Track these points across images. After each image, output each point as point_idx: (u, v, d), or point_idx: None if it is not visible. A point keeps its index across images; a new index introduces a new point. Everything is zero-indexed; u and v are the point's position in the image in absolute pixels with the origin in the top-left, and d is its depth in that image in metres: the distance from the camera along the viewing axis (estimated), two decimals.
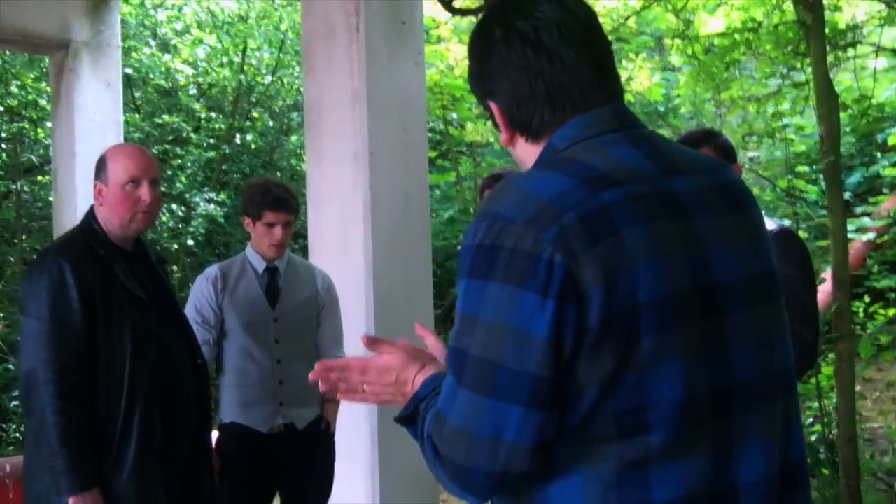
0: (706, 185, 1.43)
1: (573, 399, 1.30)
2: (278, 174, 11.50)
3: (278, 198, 3.84)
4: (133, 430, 2.79)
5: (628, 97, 8.15)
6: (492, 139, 9.02)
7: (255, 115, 11.86)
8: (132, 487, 2.79)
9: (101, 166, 3.01)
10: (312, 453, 3.95)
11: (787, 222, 7.84)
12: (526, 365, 1.27)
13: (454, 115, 9.61)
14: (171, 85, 11.47)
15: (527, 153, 1.48)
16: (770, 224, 3.06)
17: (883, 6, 6.71)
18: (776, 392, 1.41)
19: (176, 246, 10.26)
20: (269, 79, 11.75)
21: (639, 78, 9.44)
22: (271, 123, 12.09)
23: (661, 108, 10.35)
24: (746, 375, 1.36)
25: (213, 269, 3.98)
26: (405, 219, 4.43)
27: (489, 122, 8.99)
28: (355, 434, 4.41)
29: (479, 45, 1.49)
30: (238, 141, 11.67)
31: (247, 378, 3.85)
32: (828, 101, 5.07)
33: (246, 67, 11.50)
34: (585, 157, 1.38)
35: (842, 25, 6.86)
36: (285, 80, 11.93)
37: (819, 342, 3.09)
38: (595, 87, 1.43)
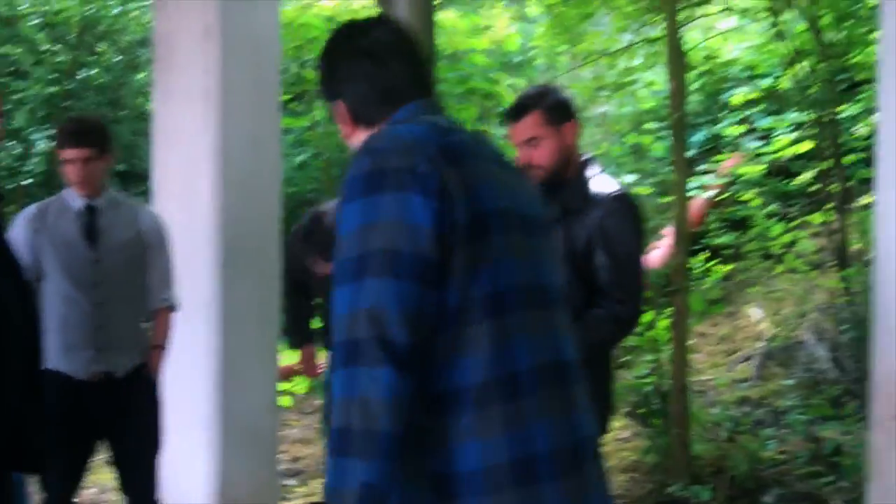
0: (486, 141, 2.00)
1: (451, 284, 1.68)
2: (124, 112, 11.11)
3: (71, 132, 3.64)
4: None
5: (485, 45, 8.18)
6: None
7: (101, 49, 11.35)
8: None
9: None
10: (134, 403, 3.81)
11: (631, 178, 8.07)
12: (420, 250, 1.64)
13: (310, 57, 9.42)
14: (11, 14, 10.88)
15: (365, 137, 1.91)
16: (610, 186, 3.12)
17: None
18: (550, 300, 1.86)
19: (12, 185, 9.80)
20: (117, 10, 11.28)
21: (497, 27, 9.47)
22: (118, 59, 11.62)
23: (518, 59, 10.40)
24: (520, 279, 1.79)
25: (31, 208, 3.79)
26: (256, 162, 4.35)
27: None
28: (191, 385, 4.34)
29: (330, 59, 1.98)
30: (82, 76, 11.18)
31: (65, 322, 3.66)
32: (677, 59, 5.20)
33: None
34: (424, 120, 1.86)
35: None
36: (134, 13, 11.47)
37: (638, 311, 3.14)
38: (415, 86, 1.93)
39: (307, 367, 4.65)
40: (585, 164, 3.15)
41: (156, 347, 3.91)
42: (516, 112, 3.11)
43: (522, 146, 3.09)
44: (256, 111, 4.34)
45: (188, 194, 4.32)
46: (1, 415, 2.78)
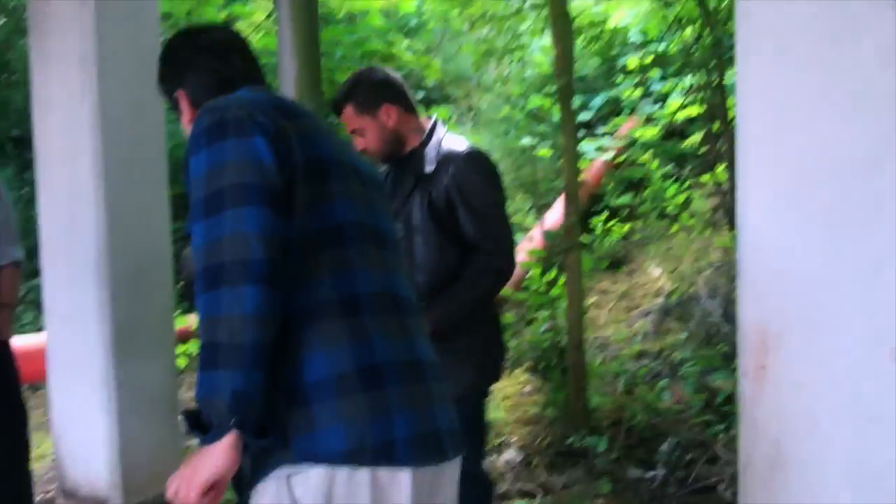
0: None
1: (293, 218, 1.84)
2: (15, 76, 10.78)
3: None
4: None
5: (380, 4, 8.10)
6: None
7: None
8: None
9: None
10: None
11: (528, 141, 8.14)
12: (268, 181, 1.79)
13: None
14: None
15: None
16: (459, 145, 3.17)
17: None
18: (384, 241, 2.04)
19: None
20: None
21: None
22: (3, 21, 11.28)
23: (414, 22, 10.37)
24: (355, 218, 1.97)
25: None
26: (138, 127, 4.28)
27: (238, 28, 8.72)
28: (88, 345, 4.30)
29: (174, 54, 2.21)
30: None
31: None
32: (562, 23, 5.25)
33: None
34: (257, 90, 2.12)
35: None
36: None
37: (510, 258, 3.17)
38: (249, 76, 2.20)
39: None
40: (433, 128, 3.21)
41: (2, 305, 3.82)
42: (334, 108, 3.23)
43: (352, 136, 3.21)
44: (136, 77, 4.26)
45: (70, 161, 4.24)
46: None
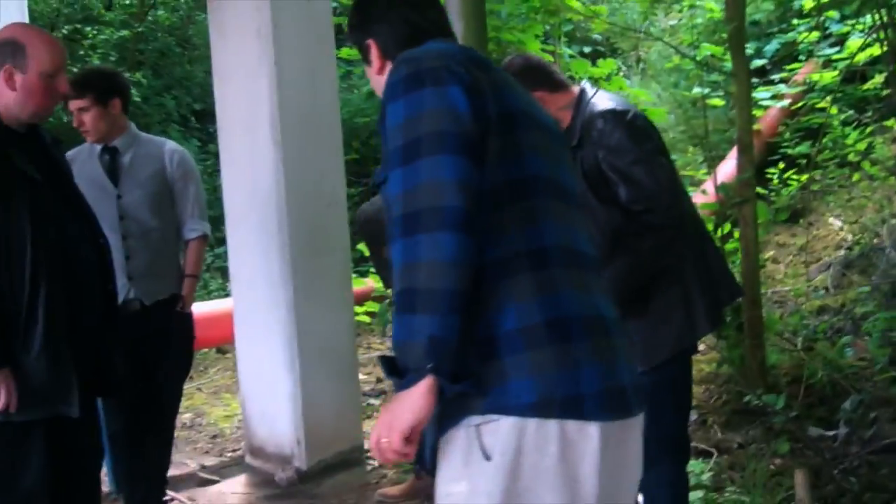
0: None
1: (485, 169, 1.83)
2: (196, 52, 11.22)
3: (72, 84, 3.67)
4: (39, 311, 2.79)
5: None
6: None
7: None
8: (42, 364, 2.80)
9: (14, 50, 2.90)
10: (164, 330, 3.99)
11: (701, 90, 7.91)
12: (465, 129, 1.80)
13: None
14: None
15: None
16: (600, 105, 3.05)
17: None
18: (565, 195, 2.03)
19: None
20: None
21: None
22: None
23: None
24: (539, 172, 1.97)
25: (66, 154, 3.99)
26: (312, 95, 4.40)
27: None
28: (272, 308, 4.47)
29: (368, 4, 2.20)
30: (151, 18, 11.31)
31: None
32: None
33: None
34: (446, 41, 2.11)
35: None
36: None
37: (669, 210, 3.03)
38: (439, 27, 2.17)
39: None
40: (579, 100, 3.14)
41: (188, 276, 4.11)
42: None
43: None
44: (310, 45, 4.38)
45: (249, 130, 4.40)
46: (85, 344, 2.93)
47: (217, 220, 4.81)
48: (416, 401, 1.74)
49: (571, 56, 10.39)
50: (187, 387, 4.51)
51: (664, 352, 3.16)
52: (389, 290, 6.29)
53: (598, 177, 2.99)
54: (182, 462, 5.06)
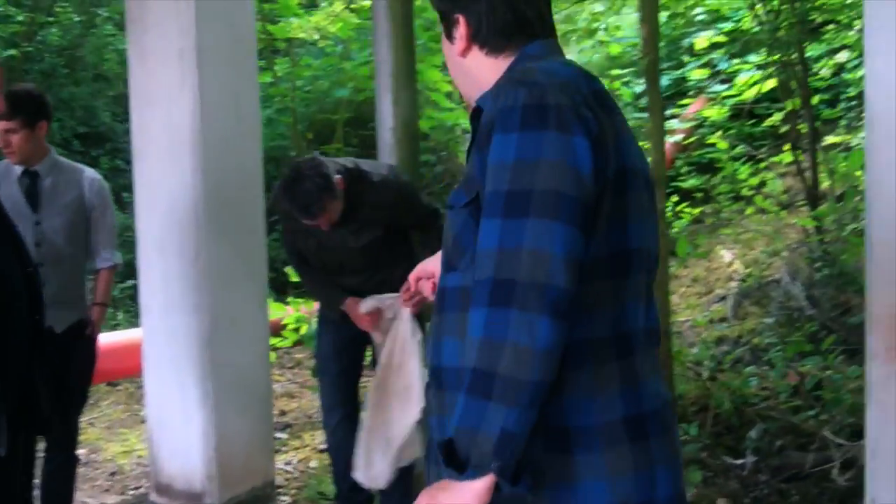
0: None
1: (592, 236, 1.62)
2: (84, 73, 10.89)
3: None
4: None
5: None
6: (316, 37, 8.77)
7: (59, 9, 11.08)
8: None
9: None
10: (70, 356, 3.96)
11: None
12: (583, 194, 1.57)
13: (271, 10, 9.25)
14: None
15: (481, 63, 1.85)
16: None
17: None
18: (651, 265, 1.78)
19: None
20: None
21: None
22: (77, 19, 11.38)
23: None
24: (640, 243, 1.73)
25: None
26: (235, 120, 4.28)
27: (314, 19, 8.72)
28: (186, 339, 4.33)
29: None
30: (40, 38, 10.92)
31: None
32: (650, 2, 5.18)
33: None
34: (563, 60, 1.81)
35: None
36: None
37: None
38: (544, 23, 1.86)
39: (357, 318, 4.12)
40: None
41: (98, 304, 4.13)
42: None
43: None
44: (234, 70, 4.27)
45: (169, 155, 4.26)
46: (11, 377, 2.76)
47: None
48: (470, 498, 1.53)
49: None
50: (83, 420, 4.36)
51: None
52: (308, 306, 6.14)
53: None
54: (82, 501, 4.84)
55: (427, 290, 2.23)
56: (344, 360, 4.20)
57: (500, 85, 1.71)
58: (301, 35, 8.59)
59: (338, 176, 3.75)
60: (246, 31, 4.37)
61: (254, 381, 4.53)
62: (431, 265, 2.21)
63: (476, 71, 1.85)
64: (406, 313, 3.54)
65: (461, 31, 1.83)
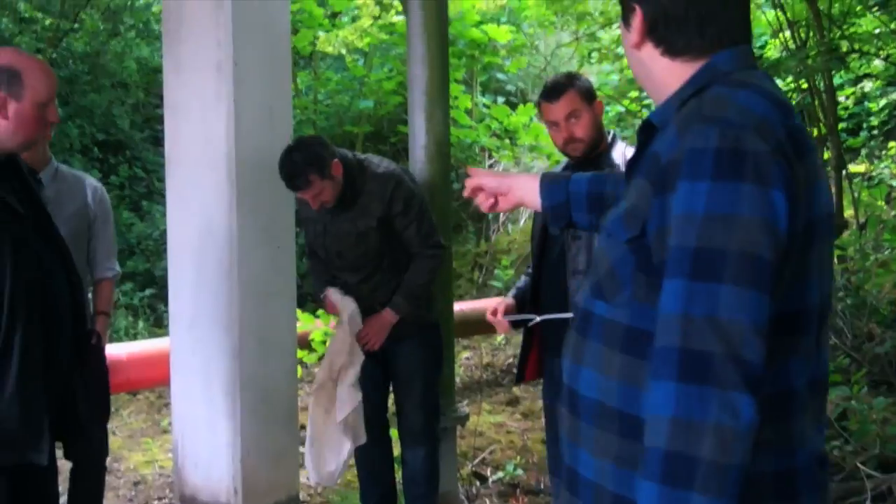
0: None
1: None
2: (104, 80, 10.91)
3: None
4: (14, 349, 2.62)
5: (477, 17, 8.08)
6: (343, 51, 8.78)
7: (85, 15, 11.13)
8: (14, 408, 2.62)
9: (10, 77, 2.78)
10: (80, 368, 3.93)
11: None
12: (776, 256, 1.43)
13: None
14: None
15: (656, 62, 1.69)
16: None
17: None
18: (825, 313, 1.64)
19: None
20: None
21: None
22: (102, 27, 11.41)
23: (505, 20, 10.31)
24: (817, 299, 1.59)
25: None
26: (269, 133, 4.26)
27: (342, 34, 8.74)
28: (215, 352, 4.31)
29: None
30: (65, 44, 10.95)
31: None
32: None
33: None
34: (758, 83, 1.58)
35: None
36: None
37: None
38: (740, 26, 1.65)
39: (326, 302, 4.40)
40: (614, 137, 3.56)
41: (102, 314, 4.12)
42: (554, 92, 3.43)
43: (562, 123, 3.43)
44: (269, 83, 4.27)
45: (202, 166, 4.25)
46: (55, 385, 2.76)
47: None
48: None
49: (486, 105, 10.50)
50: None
51: None
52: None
53: None
54: None
55: (482, 201, 2.18)
56: (363, 377, 4.20)
57: (686, 116, 1.55)
58: (329, 49, 8.60)
59: (335, 160, 3.92)
60: (282, 44, 4.36)
61: (281, 395, 4.50)
62: (513, 184, 2.15)
63: (651, 68, 1.71)
64: (344, 333, 3.97)
65: (636, 22, 1.68)
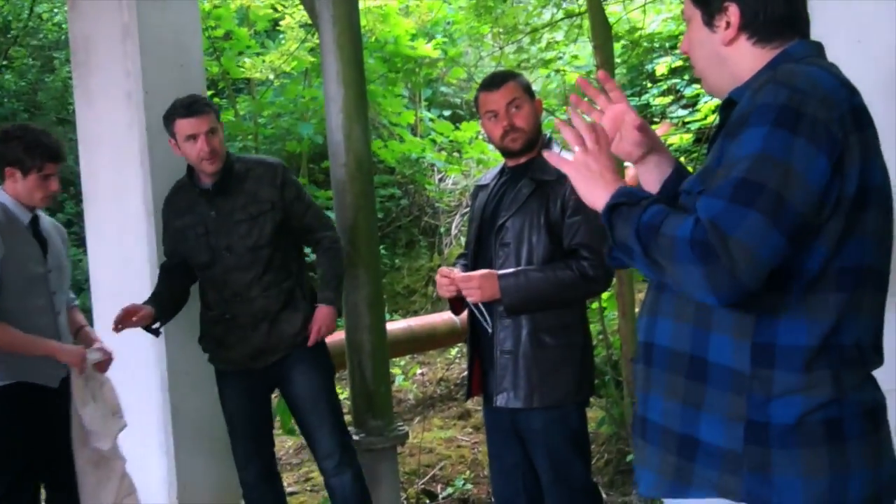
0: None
1: (814, 250, 1.72)
2: (44, 117, 10.79)
3: (55, 148, 3.66)
4: None
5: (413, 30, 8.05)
6: (271, 76, 8.72)
7: (15, 53, 11.02)
8: None
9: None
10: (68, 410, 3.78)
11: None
12: (806, 211, 1.67)
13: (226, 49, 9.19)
14: None
15: (744, 53, 1.90)
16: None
17: None
18: (880, 283, 1.85)
19: None
20: (29, 13, 10.96)
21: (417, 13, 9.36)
22: (31, 62, 11.30)
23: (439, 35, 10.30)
24: (872, 260, 1.80)
25: None
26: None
27: (268, 59, 8.66)
28: (144, 388, 4.24)
29: None
30: None
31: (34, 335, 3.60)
32: (603, 31, 5.19)
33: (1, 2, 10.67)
34: (827, 66, 1.83)
35: None
36: (46, 14, 11.17)
37: (605, 269, 3.27)
38: (805, 22, 1.92)
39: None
40: (549, 141, 3.45)
41: (80, 328, 4.00)
42: (495, 81, 3.38)
43: (502, 111, 3.34)
44: None
45: (118, 197, 4.19)
46: None
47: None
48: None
49: (432, 119, 10.47)
50: None
51: (562, 393, 3.33)
52: None
53: (558, 219, 3.29)
54: None
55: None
56: (251, 410, 4.01)
57: (761, 83, 1.76)
58: (256, 75, 8.52)
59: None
60: (194, 72, 4.32)
61: (214, 427, 4.42)
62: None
63: (736, 61, 1.91)
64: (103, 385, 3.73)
65: (733, 18, 1.88)
